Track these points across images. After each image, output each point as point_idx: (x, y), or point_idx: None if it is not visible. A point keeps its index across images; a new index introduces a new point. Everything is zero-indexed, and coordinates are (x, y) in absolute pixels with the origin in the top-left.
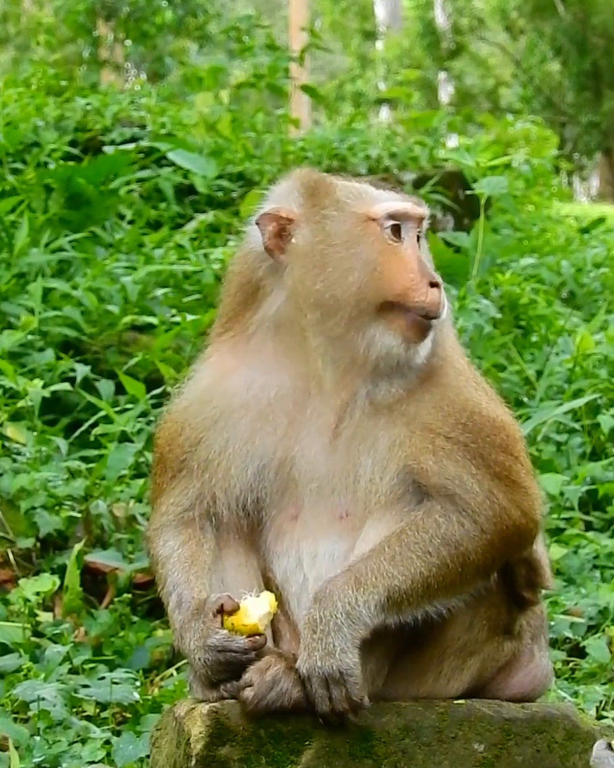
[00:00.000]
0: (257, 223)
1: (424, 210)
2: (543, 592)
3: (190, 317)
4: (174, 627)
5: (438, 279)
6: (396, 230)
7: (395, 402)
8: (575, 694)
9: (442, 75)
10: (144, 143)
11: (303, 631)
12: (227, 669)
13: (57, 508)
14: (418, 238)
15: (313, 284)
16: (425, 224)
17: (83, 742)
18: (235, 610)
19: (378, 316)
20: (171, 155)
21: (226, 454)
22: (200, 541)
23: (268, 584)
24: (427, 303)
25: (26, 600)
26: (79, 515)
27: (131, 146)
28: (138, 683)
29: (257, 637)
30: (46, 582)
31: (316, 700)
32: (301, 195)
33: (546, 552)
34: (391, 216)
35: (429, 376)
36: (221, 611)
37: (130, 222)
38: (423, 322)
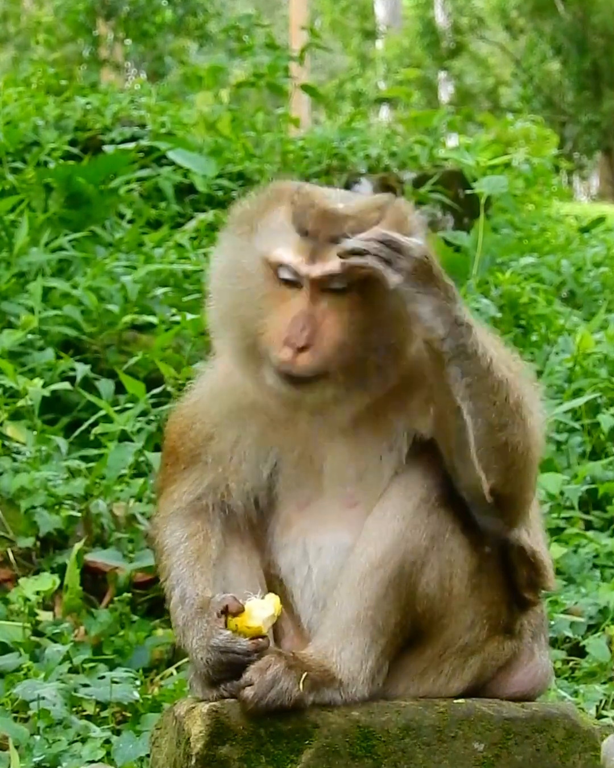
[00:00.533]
0: None
1: (313, 269)
2: (544, 591)
3: (190, 316)
4: (176, 623)
5: (303, 342)
6: (290, 282)
7: (406, 393)
8: (575, 693)
9: (442, 74)
10: (144, 142)
11: None
12: (229, 669)
13: (57, 507)
14: (337, 292)
15: (212, 307)
16: (334, 283)
17: (83, 741)
18: (240, 611)
19: (263, 358)
20: (171, 154)
21: (238, 450)
22: (208, 534)
23: (271, 579)
24: (280, 365)
25: (26, 599)
26: (79, 514)
27: (131, 145)
28: (138, 682)
29: (260, 639)
30: (46, 581)
31: None
32: (250, 208)
33: (548, 553)
34: (282, 265)
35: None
36: (225, 612)
37: (130, 221)
38: (287, 379)
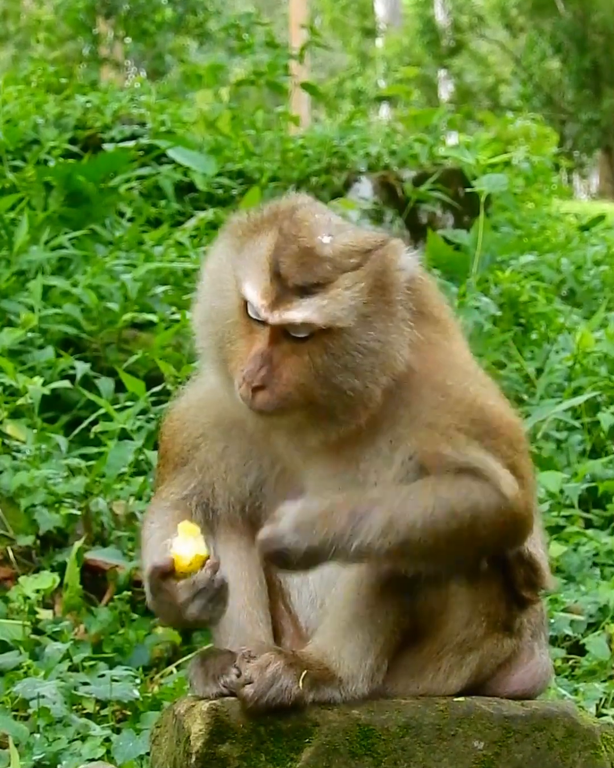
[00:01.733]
0: None
1: (271, 317)
2: (542, 591)
3: (189, 315)
4: (161, 614)
5: (258, 382)
6: (259, 321)
7: (395, 411)
8: (575, 691)
9: (442, 72)
10: (144, 141)
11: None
12: (213, 604)
13: (57, 505)
14: (298, 338)
15: (195, 309)
16: (298, 331)
17: (83, 739)
18: (171, 566)
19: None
20: (171, 153)
21: (225, 460)
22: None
23: (270, 578)
24: (240, 398)
25: (26, 597)
26: (78, 513)
27: (131, 144)
28: (138, 681)
29: (207, 561)
30: (46, 579)
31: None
32: (241, 223)
33: (545, 553)
34: (248, 302)
35: (427, 380)
36: (168, 574)
37: (130, 219)
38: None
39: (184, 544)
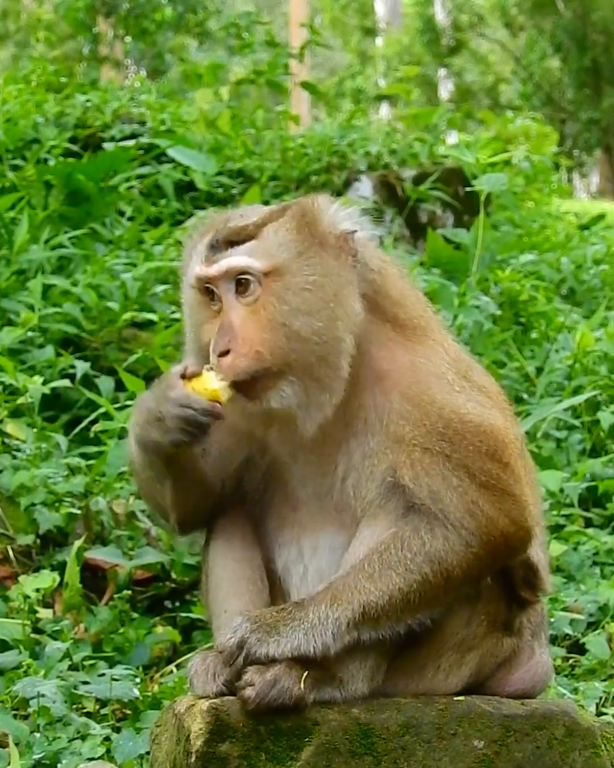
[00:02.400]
0: None
1: (209, 270)
2: (542, 593)
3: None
4: (138, 402)
5: (222, 347)
6: (209, 293)
7: (365, 416)
8: (575, 690)
9: (442, 72)
10: (144, 140)
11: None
12: (187, 428)
13: (57, 504)
14: (246, 292)
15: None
16: (238, 277)
17: (83, 738)
18: (197, 375)
19: None
20: (171, 152)
21: (211, 455)
22: None
23: (270, 575)
24: (219, 374)
25: (26, 597)
26: (78, 512)
27: (131, 143)
28: (138, 680)
29: (217, 404)
30: (46, 579)
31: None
32: (185, 244)
33: (545, 556)
34: (197, 281)
35: (396, 387)
36: (184, 376)
37: (130, 219)
38: (236, 389)
39: (215, 379)
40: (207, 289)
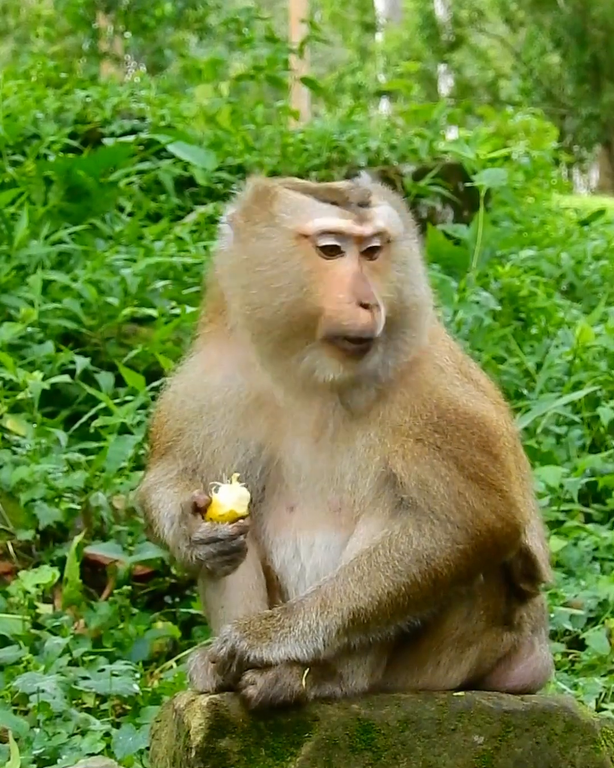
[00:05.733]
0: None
1: (365, 229)
2: (542, 585)
3: (189, 309)
4: (171, 546)
5: (373, 300)
6: (332, 248)
7: (370, 404)
8: (575, 686)
9: (442, 67)
10: (143, 135)
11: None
12: (222, 558)
13: (57, 500)
14: (374, 254)
15: (240, 305)
16: (376, 241)
17: (83, 734)
18: (208, 504)
19: (311, 340)
20: (171, 147)
21: (211, 448)
22: (194, 485)
23: (268, 573)
24: (353, 326)
25: (26, 592)
26: (78, 507)
27: (131, 138)
28: (138, 675)
29: (241, 520)
30: (46, 574)
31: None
32: (244, 206)
33: (544, 547)
34: (325, 233)
35: (403, 376)
36: (197, 510)
37: (130, 214)
38: (353, 346)
39: (227, 495)
40: (328, 245)
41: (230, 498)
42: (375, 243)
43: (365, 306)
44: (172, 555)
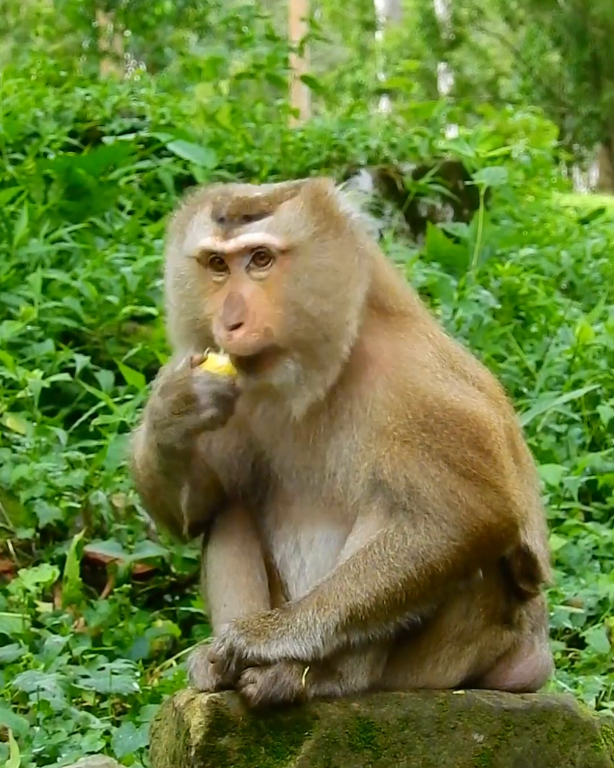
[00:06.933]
0: None
1: (226, 245)
2: (542, 584)
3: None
4: (150, 410)
5: (237, 321)
6: (217, 266)
7: (351, 407)
8: (575, 684)
9: (442, 66)
10: (143, 134)
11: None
12: (219, 404)
13: (56, 498)
14: (264, 266)
15: (168, 321)
16: (252, 255)
17: (83, 732)
18: (203, 360)
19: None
20: (170, 146)
21: (205, 442)
22: None
23: (269, 569)
24: (226, 346)
25: (26, 590)
26: (78, 506)
27: (131, 137)
28: (138, 674)
29: (235, 379)
30: (46, 572)
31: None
32: (176, 219)
33: (545, 547)
34: (203, 252)
35: (380, 376)
36: (192, 363)
37: (130, 212)
38: (241, 360)
39: (221, 357)
40: (212, 261)
41: (223, 360)
42: (258, 252)
43: (233, 327)
44: (151, 428)
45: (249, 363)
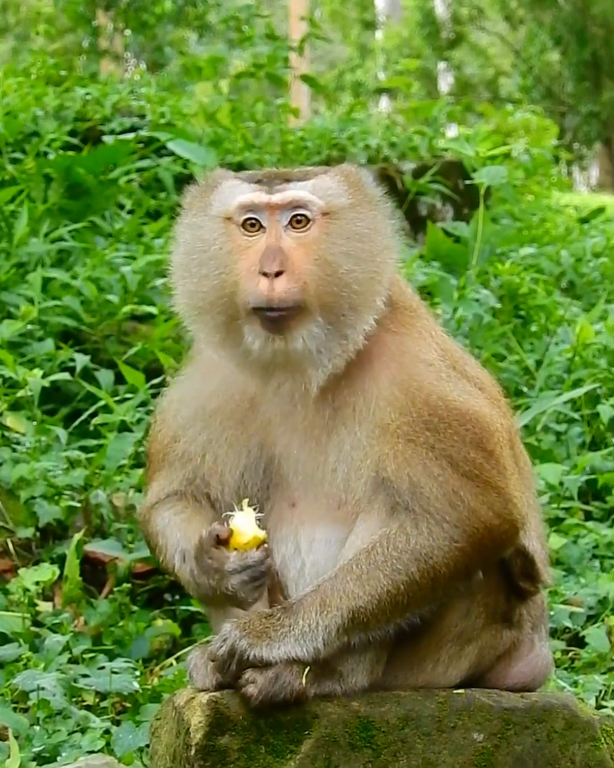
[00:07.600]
0: None
1: (274, 197)
2: (541, 584)
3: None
4: (186, 580)
5: (277, 268)
6: (252, 225)
7: (354, 402)
8: (574, 683)
9: (442, 65)
10: (143, 133)
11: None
12: (254, 584)
13: (56, 497)
14: (302, 227)
15: (180, 299)
16: (296, 211)
17: (83, 731)
18: (230, 535)
19: (241, 317)
20: (170, 145)
21: (212, 453)
22: (197, 508)
23: (270, 571)
24: (256, 295)
25: (26, 590)
26: (78, 505)
27: (131, 136)
28: (137, 673)
29: (264, 545)
30: (46, 572)
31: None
32: (186, 206)
33: (543, 547)
34: (241, 208)
35: (385, 371)
36: (219, 542)
37: (130, 212)
38: (271, 315)
39: (244, 521)
40: (245, 222)
41: (248, 523)
42: (298, 213)
43: (266, 274)
44: (186, 587)
45: (279, 322)
